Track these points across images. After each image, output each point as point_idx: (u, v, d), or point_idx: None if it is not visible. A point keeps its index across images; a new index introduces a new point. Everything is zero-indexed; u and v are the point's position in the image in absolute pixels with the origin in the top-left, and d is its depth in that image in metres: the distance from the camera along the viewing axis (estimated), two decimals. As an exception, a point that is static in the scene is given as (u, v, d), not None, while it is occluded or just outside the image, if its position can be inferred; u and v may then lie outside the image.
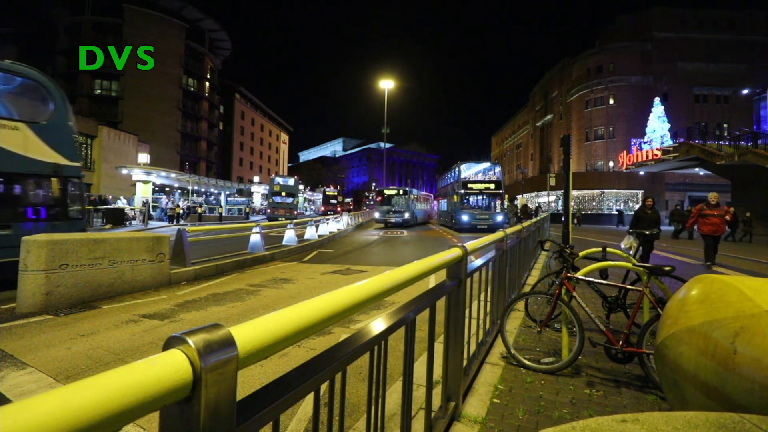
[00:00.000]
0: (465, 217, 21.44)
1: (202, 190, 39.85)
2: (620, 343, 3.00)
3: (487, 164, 25.30)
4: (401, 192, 26.85)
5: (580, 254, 4.42)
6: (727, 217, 8.99)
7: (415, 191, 28.99)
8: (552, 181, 31.81)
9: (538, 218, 10.95)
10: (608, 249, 4.54)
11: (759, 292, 1.55)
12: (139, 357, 2.70)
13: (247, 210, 42.08)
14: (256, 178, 53.84)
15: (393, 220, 24.81)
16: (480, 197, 22.62)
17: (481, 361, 3.21)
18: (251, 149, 62.92)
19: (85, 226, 8.29)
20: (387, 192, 27.12)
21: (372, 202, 26.50)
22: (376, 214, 26.34)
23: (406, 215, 24.81)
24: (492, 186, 22.23)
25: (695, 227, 9.28)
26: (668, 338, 1.77)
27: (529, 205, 35.27)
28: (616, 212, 34.29)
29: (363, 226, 25.76)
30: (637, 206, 37.23)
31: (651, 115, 31.60)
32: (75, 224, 7.64)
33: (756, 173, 20.78)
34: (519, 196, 43.68)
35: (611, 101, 39.89)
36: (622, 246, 6.00)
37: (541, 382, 2.96)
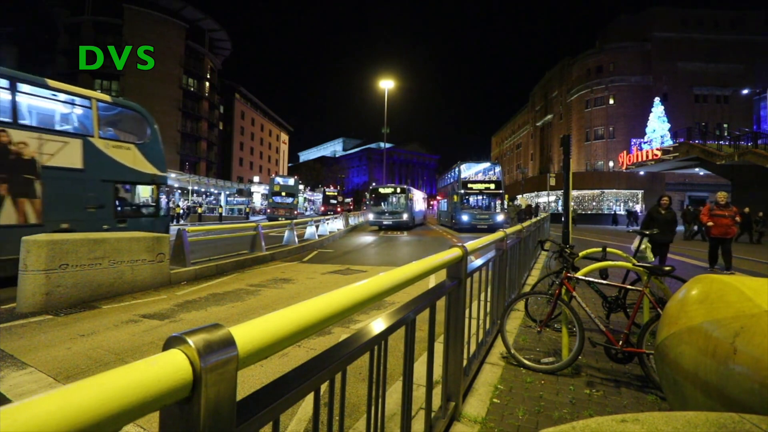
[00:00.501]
0: (465, 217, 21.44)
1: (202, 190, 39.89)
2: (620, 343, 3.00)
3: (487, 164, 25.27)
4: (398, 190, 24.17)
5: (580, 254, 4.42)
6: (737, 218, 8.14)
7: (414, 190, 27.87)
8: (552, 181, 31.82)
9: (538, 218, 10.94)
10: (608, 249, 4.54)
11: (759, 292, 1.55)
12: (139, 357, 2.71)
13: (247, 210, 42.12)
14: (256, 178, 53.88)
15: (389, 222, 22.59)
16: (480, 197, 22.62)
17: (481, 361, 3.21)
18: (251, 149, 62.92)
19: (169, 223, 10.45)
20: (382, 190, 24.23)
21: (370, 202, 24.46)
22: (370, 216, 23.69)
23: (405, 216, 22.71)
24: (492, 186, 22.23)
25: (703, 228, 8.53)
26: (668, 338, 1.77)
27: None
28: (625, 212, 32.38)
29: (363, 227, 25.73)
30: (638, 206, 37.31)
31: (651, 115, 31.59)
32: (164, 220, 9.72)
33: (756, 173, 20.78)
34: (519, 196, 43.72)
35: (611, 101, 39.88)
36: (633, 248, 5.64)
37: (541, 382, 2.96)
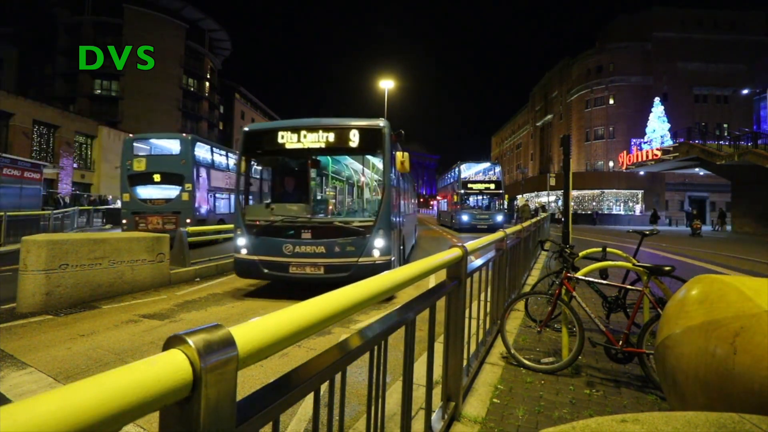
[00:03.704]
0: (465, 217, 21.45)
1: (202, 190, 39.83)
2: (620, 343, 3.00)
3: (487, 164, 25.28)
4: (358, 132, 5.79)
5: (580, 254, 4.42)
6: None
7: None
8: (552, 181, 31.74)
9: (538, 218, 10.96)
10: (608, 249, 4.53)
11: (759, 292, 1.55)
12: (139, 357, 2.71)
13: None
14: (256, 178, 53.64)
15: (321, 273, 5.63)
16: (480, 197, 22.63)
17: (481, 361, 3.20)
18: (251, 149, 62.91)
19: None
20: (291, 140, 5.80)
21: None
22: (240, 241, 5.89)
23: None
24: (492, 186, 22.25)
25: None
26: (668, 338, 1.77)
27: (531, 206, 35.17)
28: (686, 215, 27.43)
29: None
30: (637, 207, 37.18)
31: (651, 115, 31.57)
32: None
33: (756, 173, 20.76)
34: (519, 196, 43.70)
35: (611, 101, 39.86)
36: None
37: (541, 382, 2.96)
